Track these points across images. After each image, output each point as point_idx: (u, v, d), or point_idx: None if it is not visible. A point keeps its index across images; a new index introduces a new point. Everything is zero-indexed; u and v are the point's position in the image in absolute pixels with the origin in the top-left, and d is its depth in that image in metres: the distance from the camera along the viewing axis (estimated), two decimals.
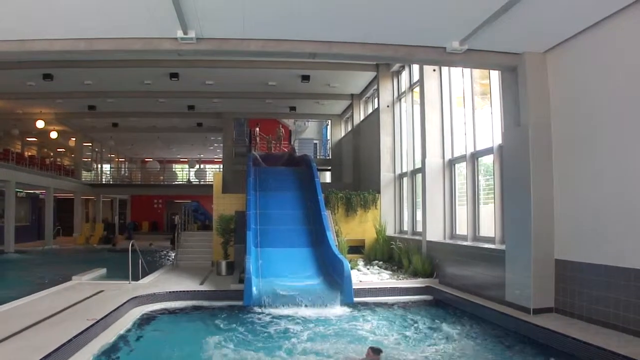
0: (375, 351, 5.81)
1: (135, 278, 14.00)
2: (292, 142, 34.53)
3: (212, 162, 52.46)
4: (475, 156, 13.36)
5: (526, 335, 9.03)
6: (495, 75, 12.13)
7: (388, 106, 19.80)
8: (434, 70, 15.24)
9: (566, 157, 9.52)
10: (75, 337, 7.89)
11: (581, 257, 9.03)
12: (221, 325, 10.37)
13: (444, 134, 14.98)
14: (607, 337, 7.73)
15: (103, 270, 16.81)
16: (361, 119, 24.56)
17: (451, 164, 14.66)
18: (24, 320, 8.88)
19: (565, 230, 9.50)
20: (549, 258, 9.72)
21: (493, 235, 12.08)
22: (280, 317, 11.13)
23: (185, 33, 9.03)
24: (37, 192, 37.10)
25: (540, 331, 8.75)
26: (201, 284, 13.91)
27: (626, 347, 7.11)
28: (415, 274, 14.40)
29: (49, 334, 8.02)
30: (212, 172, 36.65)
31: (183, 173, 50.01)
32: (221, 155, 35.23)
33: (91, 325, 8.69)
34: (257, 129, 32.46)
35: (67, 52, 9.84)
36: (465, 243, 13.16)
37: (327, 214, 16.31)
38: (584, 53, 9.12)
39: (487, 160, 12.94)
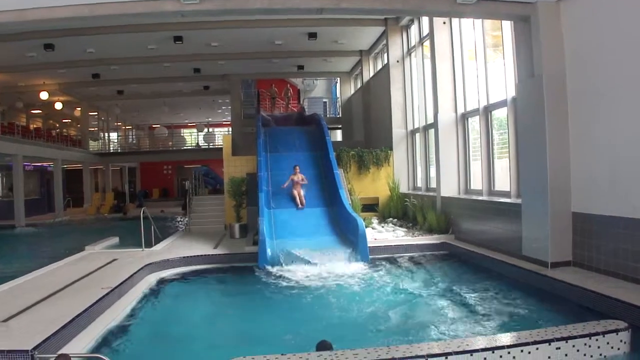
0: (322, 346, 5.54)
1: (148, 245, 13.99)
2: (301, 102, 34.24)
3: (220, 125, 52.16)
4: (488, 109, 13.13)
5: (544, 289, 8.96)
6: (507, 26, 11.84)
7: (398, 61, 19.49)
8: (444, 22, 14.93)
9: (582, 108, 9.28)
10: (90, 307, 7.86)
11: (598, 209, 8.87)
12: (237, 288, 10.36)
13: (456, 88, 14.73)
14: (626, 290, 7.63)
15: (115, 239, 16.82)
16: (371, 75, 24.28)
17: (464, 118, 14.44)
18: (39, 292, 8.86)
19: (582, 182, 9.33)
20: (566, 211, 9.57)
21: (508, 190, 11.94)
22: (295, 276, 11.11)
23: None
24: (45, 164, 36.99)
25: (558, 284, 8.68)
26: (215, 247, 13.90)
27: None
28: (430, 231, 14.34)
29: (63, 305, 7.99)
30: (221, 135, 36.46)
31: (192, 138, 49.72)
32: (229, 117, 35.05)
33: (106, 294, 8.67)
34: (274, 87, 31.88)
35: (68, 19, 9.63)
36: (480, 198, 13.02)
37: (339, 172, 16.20)
38: (600, 1, 8.83)
39: (501, 114, 12.72)
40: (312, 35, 20.88)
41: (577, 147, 9.41)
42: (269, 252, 12.27)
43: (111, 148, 45.64)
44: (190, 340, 7.34)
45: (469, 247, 12.41)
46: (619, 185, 8.35)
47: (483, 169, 13.30)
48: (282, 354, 5.29)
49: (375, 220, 16.61)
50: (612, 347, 5.70)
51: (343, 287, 10.14)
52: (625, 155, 8.23)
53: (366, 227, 13.63)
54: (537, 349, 5.44)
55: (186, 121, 52.28)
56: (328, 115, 33.19)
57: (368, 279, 10.83)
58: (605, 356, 5.65)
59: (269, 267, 11.83)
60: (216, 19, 17.77)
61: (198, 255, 12.85)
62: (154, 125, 51.36)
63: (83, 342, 6.95)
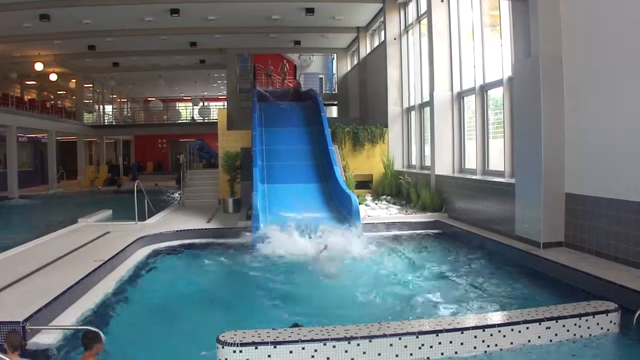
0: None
1: (142, 218, 13.99)
2: (297, 77, 34.10)
3: (216, 99, 51.96)
4: (484, 89, 13.10)
5: (536, 269, 9.00)
6: (505, 5, 11.77)
7: (395, 39, 19.40)
8: (442, 1, 14.82)
9: (578, 89, 9.25)
10: (83, 278, 7.90)
11: (592, 191, 8.87)
12: (230, 262, 10.39)
13: (452, 66, 14.67)
14: (618, 271, 7.66)
15: (109, 212, 16.85)
16: (367, 52, 24.15)
17: (460, 96, 14.41)
18: (32, 263, 8.87)
19: (576, 164, 9.32)
20: (560, 192, 9.58)
21: (502, 169, 11.95)
22: (286, 253, 11.05)
23: None
24: (38, 136, 36.82)
25: (550, 265, 8.70)
26: (208, 222, 13.94)
27: (636, 281, 7.02)
28: (423, 209, 14.37)
29: (57, 276, 8.01)
30: (217, 110, 36.35)
31: (187, 111, 49.56)
32: (225, 92, 34.92)
33: (99, 267, 8.69)
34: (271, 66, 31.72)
35: None
36: (474, 177, 13.05)
37: (334, 148, 16.18)
38: None
39: (497, 94, 12.71)
40: (310, 11, 20.75)
41: (572, 129, 9.39)
42: (262, 226, 12.28)
43: (106, 121, 45.49)
44: (182, 313, 7.37)
45: (462, 226, 12.45)
46: (613, 167, 8.35)
47: (478, 148, 13.29)
48: (273, 329, 5.32)
49: (369, 197, 16.63)
50: (601, 328, 5.76)
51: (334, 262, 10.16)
52: (619, 137, 8.21)
53: (360, 204, 13.64)
54: (527, 328, 5.49)
55: (182, 95, 52.07)
56: (324, 92, 33.07)
57: (360, 255, 10.84)
58: (595, 336, 5.69)
59: (262, 244, 11.80)
60: None
61: (191, 229, 12.87)
62: (149, 99, 51.17)
63: (75, 314, 6.96)
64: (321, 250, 10.64)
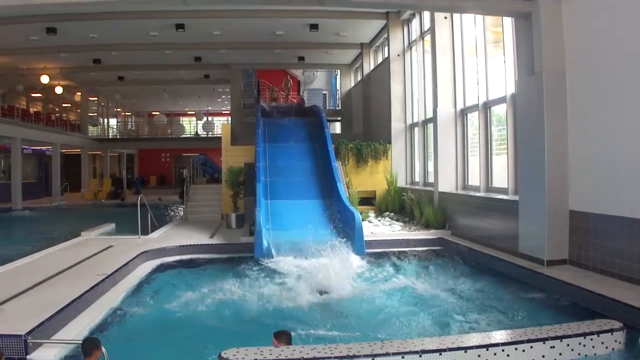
0: (280, 335, 5.45)
1: (145, 232, 13.96)
2: (301, 93, 34.17)
3: (220, 114, 52.10)
4: (487, 105, 13.12)
5: (540, 287, 8.94)
6: (508, 22, 11.81)
7: (398, 55, 19.45)
8: (445, 17, 14.88)
9: (581, 107, 9.26)
10: (85, 292, 7.88)
11: (596, 208, 8.86)
12: (232, 278, 10.33)
13: (455, 83, 14.70)
14: (622, 290, 7.62)
15: (112, 226, 16.83)
16: (371, 68, 24.21)
17: (463, 113, 14.42)
18: (35, 276, 8.87)
19: (580, 181, 9.32)
20: (563, 209, 9.56)
21: (506, 186, 11.92)
22: (290, 268, 11.08)
23: None
24: (43, 148, 36.94)
25: (554, 283, 8.66)
26: (211, 237, 13.91)
27: None
28: (427, 226, 14.33)
29: (59, 290, 8.01)
30: (220, 125, 36.40)
31: (191, 126, 49.70)
32: (229, 107, 35.01)
33: (101, 281, 8.67)
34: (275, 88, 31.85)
35: (71, 3, 9.59)
36: (477, 194, 13.03)
37: (337, 165, 16.17)
38: None
39: (500, 110, 12.72)
40: (314, 27, 20.82)
41: (576, 146, 9.40)
42: (264, 242, 12.26)
43: (110, 134, 45.60)
44: (183, 328, 7.34)
45: (466, 243, 12.40)
46: (617, 184, 8.33)
47: (481, 165, 13.29)
48: (275, 347, 5.30)
49: (372, 214, 16.61)
50: (606, 347, 5.71)
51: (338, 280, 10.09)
52: (623, 153, 8.21)
53: (363, 220, 13.61)
54: (531, 347, 5.45)
55: (186, 109, 52.30)
56: (327, 108, 33.11)
57: (363, 272, 10.81)
58: (599, 355, 5.66)
59: (264, 260, 11.77)
60: (218, 8, 17.73)
61: (194, 244, 12.85)
62: (153, 113, 51.33)
63: (77, 328, 6.94)
64: (322, 293, 10.11)
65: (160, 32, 21.40)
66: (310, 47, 24.94)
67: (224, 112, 50.02)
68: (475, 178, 13.78)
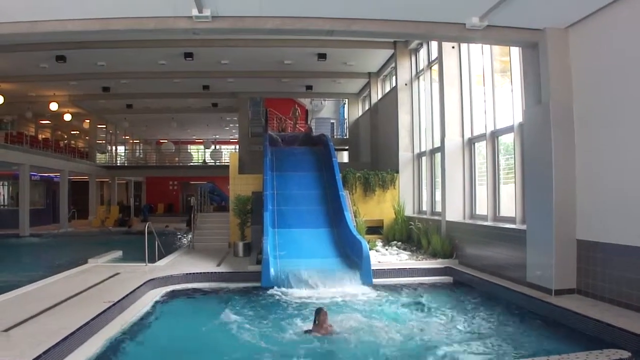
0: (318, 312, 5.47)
1: (152, 260, 13.98)
2: (308, 122, 34.32)
3: (227, 142, 52.34)
4: (495, 135, 13.15)
5: (548, 316, 8.90)
6: (515, 52, 11.89)
7: (406, 84, 19.56)
8: (453, 47, 15.00)
9: (589, 136, 9.31)
10: (92, 320, 7.87)
11: (604, 237, 8.85)
12: (238, 307, 10.30)
13: (463, 112, 14.76)
14: (631, 319, 7.59)
15: (119, 253, 16.83)
16: (379, 97, 24.36)
17: (471, 142, 14.45)
18: (41, 303, 8.86)
19: (588, 210, 9.32)
20: (571, 238, 9.56)
21: (513, 215, 11.90)
22: (298, 298, 11.07)
23: (200, 11, 8.88)
24: (51, 175, 37.13)
25: (562, 312, 8.62)
26: (218, 265, 13.88)
27: None
28: (434, 255, 14.28)
29: (65, 317, 7.99)
30: (228, 153, 36.53)
31: (198, 154, 49.94)
32: (237, 135, 35.17)
33: (108, 308, 8.66)
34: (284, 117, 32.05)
35: (79, 32, 9.72)
36: (485, 223, 12.99)
37: (345, 194, 16.17)
38: (607, 29, 8.88)
39: (508, 139, 12.74)
40: (322, 56, 20.98)
41: (583, 175, 9.41)
42: (272, 271, 12.24)
43: (118, 161, 45.81)
44: (190, 357, 7.31)
45: (473, 273, 12.34)
46: (625, 213, 8.33)
47: (488, 194, 13.29)
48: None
49: (379, 243, 16.57)
50: None
51: (345, 310, 10.06)
52: (631, 183, 8.23)
53: (370, 249, 13.57)
54: None
55: (193, 137, 52.54)
56: (335, 136, 33.31)
57: (371, 302, 10.77)
58: None
59: (272, 288, 11.76)
60: (227, 37, 17.90)
61: (201, 272, 12.82)
62: (161, 140, 51.64)
63: (84, 355, 6.92)
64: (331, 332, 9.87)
65: (168, 61, 21.61)
66: (318, 76, 25.07)
67: (231, 140, 50.24)
68: (482, 207, 13.77)
